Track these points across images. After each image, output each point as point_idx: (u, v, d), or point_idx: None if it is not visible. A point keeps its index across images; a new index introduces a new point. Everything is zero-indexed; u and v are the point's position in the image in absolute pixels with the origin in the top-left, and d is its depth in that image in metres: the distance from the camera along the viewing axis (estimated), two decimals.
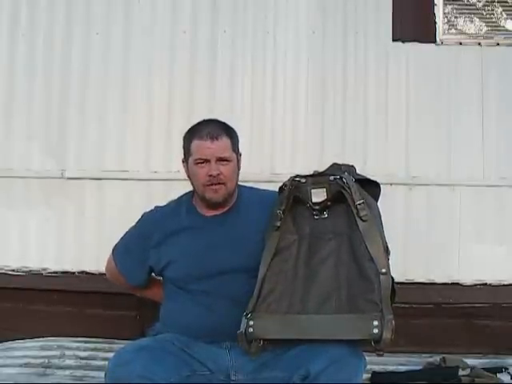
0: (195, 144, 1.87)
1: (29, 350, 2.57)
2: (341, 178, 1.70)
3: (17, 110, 2.99)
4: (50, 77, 2.98)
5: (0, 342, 2.68)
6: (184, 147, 1.94)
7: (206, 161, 1.85)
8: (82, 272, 2.90)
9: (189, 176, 1.93)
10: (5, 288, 2.87)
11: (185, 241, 1.88)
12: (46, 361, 2.45)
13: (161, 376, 1.59)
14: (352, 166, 1.81)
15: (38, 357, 2.48)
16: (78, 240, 2.94)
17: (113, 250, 2.11)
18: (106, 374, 1.65)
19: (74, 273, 2.91)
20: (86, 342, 2.66)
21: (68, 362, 2.46)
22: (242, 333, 1.68)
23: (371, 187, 1.78)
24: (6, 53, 3.00)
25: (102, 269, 2.77)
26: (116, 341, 2.58)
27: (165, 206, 2.03)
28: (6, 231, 2.96)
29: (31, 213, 2.95)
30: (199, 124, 1.93)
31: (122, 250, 2.07)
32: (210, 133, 1.86)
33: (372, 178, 1.81)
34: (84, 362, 2.46)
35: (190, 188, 2.00)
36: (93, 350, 2.59)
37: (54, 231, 2.95)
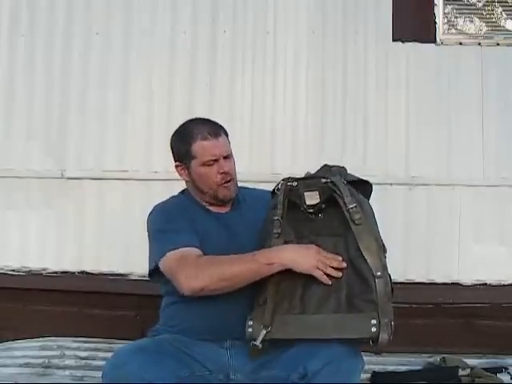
0: (199, 145, 1.85)
1: (29, 349, 2.57)
2: (332, 181, 1.70)
3: (17, 110, 2.99)
4: (50, 77, 2.99)
5: (0, 341, 2.69)
6: (180, 151, 1.90)
7: (215, 160, 1.85)
8: (82, 272, 2.91)
9: (192, 179, 1.90)
10: (5, 288, 2.87)
11: (201, 234, 1.84)
12: (46, 361, 2.45)
13: (158, 377, 1.58)
14: (343, 168, 1.80)
15: (37, 357, 2.49)
16: (78, 240, 2.94)
17: (163, 254, 1.76)
18: (102, 375, 1.64)
19: (74, 273, 2.91)
20: (85, 342, 2.66)
21: (68, 362, 2.46)
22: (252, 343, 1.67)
23: (363, 186, 1.77)
24: (6, 53, 3.01)
25: (102, 269, 2.78)
26: (116, 341, 2.58)
27: (167, 200, 1.98)
28: (6, 231, 2.97)
29: (31, 213, 2.95)
30: (190, 126, 1.90)
31: (169, 237, 1.79)
32: (211, 132, 1.86)
33: (363, 178, 1.80)
34: (84, 362, 2.47)
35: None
36: (93, 350, 2.59)
37: (54, 231, 2.96)
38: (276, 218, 1.73)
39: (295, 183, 1.75)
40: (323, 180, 1.71)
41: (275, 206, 1.75)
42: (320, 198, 1.71)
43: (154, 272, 1.84)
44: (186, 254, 1.74)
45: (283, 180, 1.77)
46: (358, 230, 1.65)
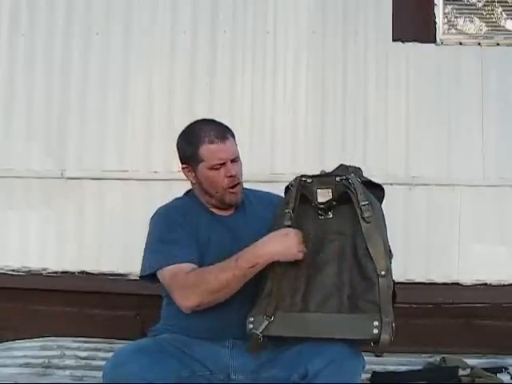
0: (206, 149, 1.83)
1: (29, 349, 2.57)
2: (347, 178, 1.71)
3: (17, 110, 2.99)
4: (50, 77, 2.99)
5: (0, 341, 2.69)
6: (187, 154, 1.88)
7: (222, 164, 1.84)
8: (82, 272, 2.91)
9: (199, 182, 1.89)
10: (5, 288, 2.87)
11: (203, 239, 1.86)
12: (46, 361, 2.45)
13: (158, 377, 1.58)
14: (359, 168, 1.81)
15: (37, 357, 2.49)
16: (78, 240, 2.94)
17: (159, 267, 1.78)
18: (103, 375, 1.64)
19: (74, 273, 2.91)
20: (85, 342, 2.66)
21: (68, 362, 2.46)
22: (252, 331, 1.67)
23: (376, 191, 1.78)
24: (6, 53, 3.01)
25: (102, 269, 2.77)
26: (116, 341, 2.59)
27: (171, 203, 1.97)
28: (6, 231, 2.96)
29: (31, 213, 2.95)
30: (197, 128, 1.88)
31: (168, 248, 1.80)
32: (218, 135, 1.84)
33: (377, 182, 1.80)
34: (84, 362, 2.47)
35: (189, 187, 1.99)
36: (93, 350, 2.60)
37: (53, 231, 2.96)
38: (287, 211, 1.74)
39: (310, 180, 1.76)
40: (338, 178, 1.72)
41: (288, 201, 1.76)
42: (332, 195, 1.72)
43: (146, 276, 1.84)
44: (178, 271, 1.74)
45: (298, 176, 1.78)
46: (366, 228, 1.66)
